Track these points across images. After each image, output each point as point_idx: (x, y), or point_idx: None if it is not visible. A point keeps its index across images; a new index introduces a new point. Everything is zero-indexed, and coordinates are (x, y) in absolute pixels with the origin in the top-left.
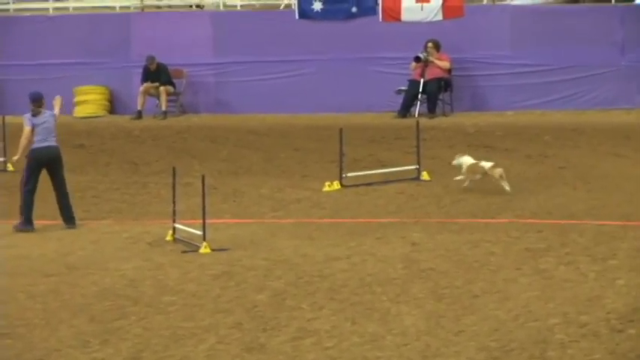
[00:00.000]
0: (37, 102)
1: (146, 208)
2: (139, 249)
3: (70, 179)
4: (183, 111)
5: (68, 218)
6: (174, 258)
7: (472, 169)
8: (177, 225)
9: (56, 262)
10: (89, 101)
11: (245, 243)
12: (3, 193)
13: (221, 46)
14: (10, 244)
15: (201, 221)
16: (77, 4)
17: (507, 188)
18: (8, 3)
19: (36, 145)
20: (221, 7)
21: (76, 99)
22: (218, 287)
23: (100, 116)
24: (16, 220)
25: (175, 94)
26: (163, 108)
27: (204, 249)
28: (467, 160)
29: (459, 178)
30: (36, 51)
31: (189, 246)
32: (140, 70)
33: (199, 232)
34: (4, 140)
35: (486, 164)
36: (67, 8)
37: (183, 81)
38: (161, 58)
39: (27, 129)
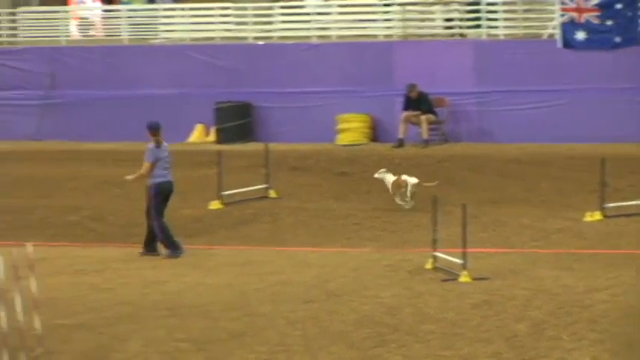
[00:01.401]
0: (157, 131)
1: (406, 236)
2: (398, 277)
3: (333, 206)
4: (446, 139)
5: (153, 248)
6: (433, 286)
7: (397, 183)
8: (437, 253)
9: (316, 289)
10: (351, 129)
11: (505, 272)
12: (266, 219)
13: (483, 74)
14: (273, 271)
15: (461, 250)
16: (340, 32)
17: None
18: (271, 30)
19: (162, 179)
20: (484, 36)
21: (339, 127)
22: (478, 316)
23: (361, 144)
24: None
25: (437, 122)
26: (425, 136)
27: (464, 278)
28: (390, 178)
29: (401, 202)
30: (299, 78)
31: (449, 274)
32: (402, 99)
33: (459, 261)
34: (267, 167)
35: (411, 179)
36: (330, 36)
37: (445, 110)
38: (423, 87)
39: (149, 164)
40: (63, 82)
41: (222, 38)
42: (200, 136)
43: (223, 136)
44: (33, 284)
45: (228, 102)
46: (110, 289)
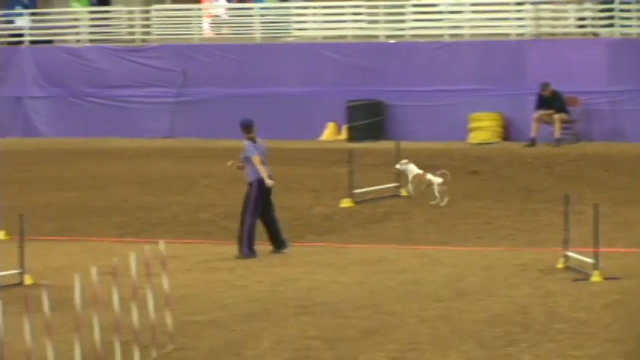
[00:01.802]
0: (250, 128)
1: (538, 235)
2: (529, 276)
3: (463, 205)
4: (578, 139)
5: (281, 243)
6: (565, 286)
7: (419, 178)
8: (568, 253)
9: (447, 288)
10: (483, 128)
11: (637, 272)
12: (397, 218)
13: (616, 73)
14: (404, 269)
15: (593, 249)
16: (473, 30)
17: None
18: (403, 29)
19: (261, 175)
20: (617, 35)
21: (471, 125)
22: (609, 316)
23: (493, 143)
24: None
25: (570, 121)
26: (557, 135)
27: (595, 277)
28: (413, 169)
29: (435, 202)
30: (431, 77)
31: (581, 274)
32: (534, 97)
33: (591, 261)
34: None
35: (435, 179)
36: (462, 35)
37: (577, 109)
38: (555, 85)
39: (257, 157)
40: (195, 80)
41: (354, 37)
42: (332, 134)
43: (354, 134)
44: (165, 281)
45: (360, 100)
46: (242, 287)
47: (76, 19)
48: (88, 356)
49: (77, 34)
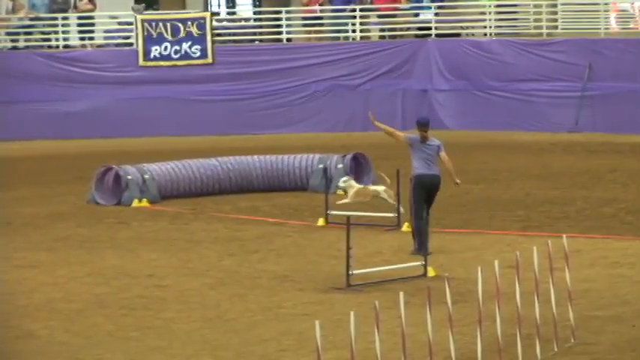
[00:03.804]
0: (422, 127)
1: None
2: None
3: None
4: None
5: (422, 247)
6: None
7: (361, 192)
8: None
9: None
10: None
11: None
12: None
13: None
14: None
15: None
16: None
17: (391, 201)
18: None
19: (421, 172)
20: None
21: None
22: None
23: None
24: None
25: None
26: None
27: None
28: (353, 185)
29: (343, 201)
30: None
31: None
32: None
33: None
34: None
35: (378, 188)
36: None
37: None
38: None
39: (404, 136)
40: (600, 74)
41: None
42: None
43: None
44: (567, 275)
45: None
46: None
47: (483, 13)
48: (489, 349)
49: (484, 27)
